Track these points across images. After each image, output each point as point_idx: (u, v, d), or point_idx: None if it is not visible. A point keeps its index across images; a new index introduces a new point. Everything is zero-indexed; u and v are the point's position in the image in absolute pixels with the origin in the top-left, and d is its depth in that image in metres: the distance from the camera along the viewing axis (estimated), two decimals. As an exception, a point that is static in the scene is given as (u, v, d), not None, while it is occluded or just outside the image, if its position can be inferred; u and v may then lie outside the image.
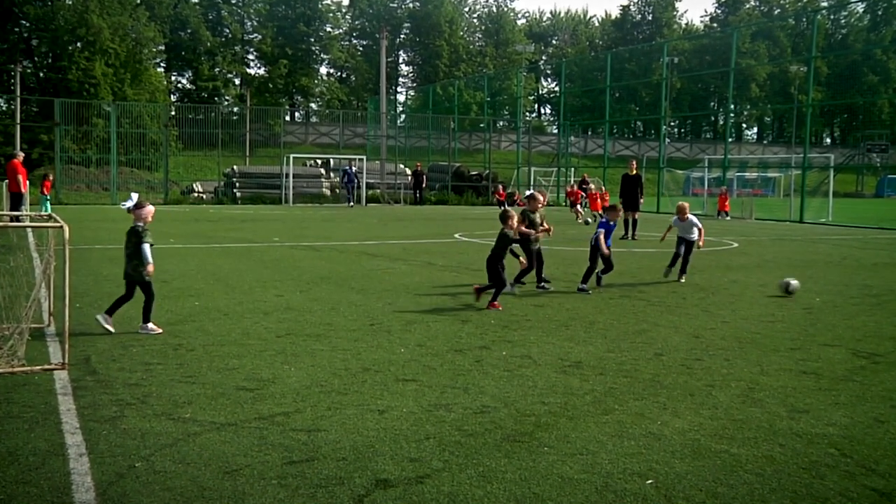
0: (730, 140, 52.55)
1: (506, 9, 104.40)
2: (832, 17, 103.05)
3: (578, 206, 32.36)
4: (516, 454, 5.17)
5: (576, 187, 36.12)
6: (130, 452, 5.05)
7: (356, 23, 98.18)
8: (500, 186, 36.42)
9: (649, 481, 4.76)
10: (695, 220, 14.04)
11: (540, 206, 12.65)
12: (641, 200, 23.33)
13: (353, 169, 41.99)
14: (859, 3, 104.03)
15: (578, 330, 9.40)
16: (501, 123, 76.00)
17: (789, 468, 5.04)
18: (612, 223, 13.20)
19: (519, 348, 8.30)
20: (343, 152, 51.15)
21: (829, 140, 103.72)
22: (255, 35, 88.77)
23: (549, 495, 4.54)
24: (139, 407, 6.01)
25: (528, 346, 8.43)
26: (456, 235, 23.15)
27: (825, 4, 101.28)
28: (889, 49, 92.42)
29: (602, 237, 12.57)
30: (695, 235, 13.99)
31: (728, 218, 35.54)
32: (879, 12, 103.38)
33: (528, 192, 13.03)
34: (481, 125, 63.47)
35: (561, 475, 4.84)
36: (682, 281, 13.70)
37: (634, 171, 23.37)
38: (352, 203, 41.07)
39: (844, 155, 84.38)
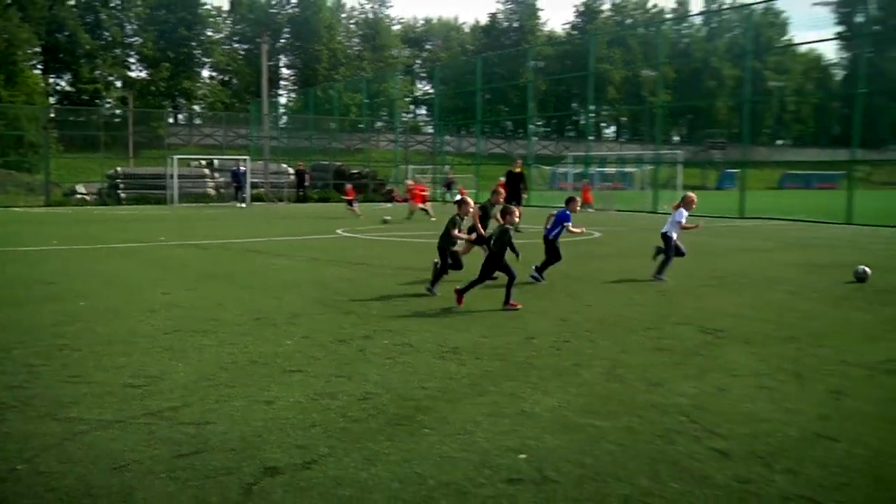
0: (591, 138, 53.83)
1: (382, 15, 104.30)
2: (676, 28, 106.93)
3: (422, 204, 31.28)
4: (398, 437, 5.21)
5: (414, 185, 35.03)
6: (11, 455, 4.80)
7: (237, 28, 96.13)
8: (349, 186, 34.89)
9: (522, 455, 4.89)
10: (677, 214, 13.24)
11: (470, 209, 12.17)
12: (524, 196, 23.80)
13: (241, 169, 41.14)
14: (697, 16, 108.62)
15: (456, 318, 9.51)
16: (380, 124, 75.70)
17: (646, 436, 5.26)
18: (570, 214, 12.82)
19: (399, 337, 8.33)
20: (227, 153, 49.99)
21: (677, 138, 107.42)
22: (136, 38, 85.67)
23: (430, 473, 4.60)
24: (22, 409, 5.72)
25: (408, 334, 8.47)
26: (338, 231, 23.01)
27: (669, 17, 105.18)
28: (723, 58, 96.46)
29: (560, 228, 12.68)
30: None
31: (591, 210, 36.47)
32: (714, 25, 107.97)
33: (457, 198, 12.67)
34: (360, 126, 63.13)
35: (441, 454, 4.91)
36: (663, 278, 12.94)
37: (518, 169, 23.80)
38: (242, 203, 40.16)
39: (690, 152, 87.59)
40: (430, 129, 79.30)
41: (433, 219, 27.20)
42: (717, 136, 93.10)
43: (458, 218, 11.72)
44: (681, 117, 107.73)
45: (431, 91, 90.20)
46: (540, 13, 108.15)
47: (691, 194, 13.79)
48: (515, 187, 23.39)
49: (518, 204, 23.15)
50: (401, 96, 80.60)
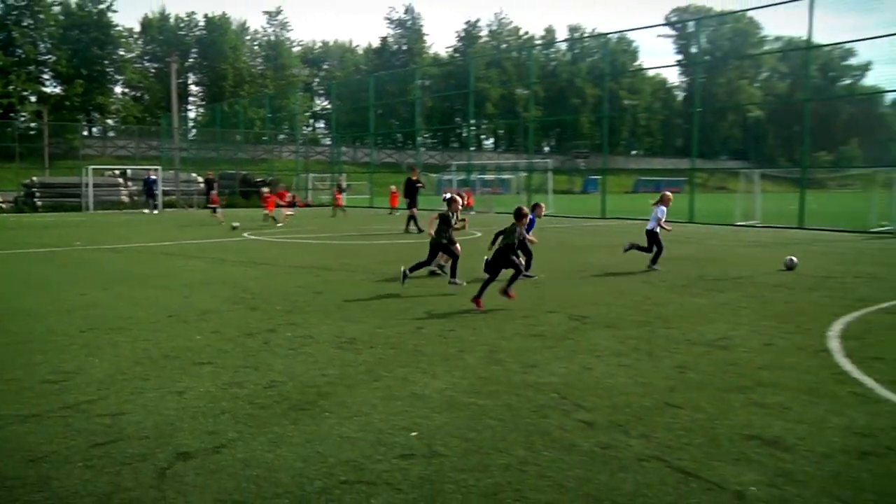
0: (472, 148, 54.42)
1: (283, 38, 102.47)
2: (545, 52, 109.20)
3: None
4: (302, 421, 5.15)
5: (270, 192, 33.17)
6: (-72, 452, 4.53)
7: (148, 48, 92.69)
8: (214, 193, 33.57)
9: (414, 433, 4.91)
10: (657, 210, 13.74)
11: (458, 207, 11.97)
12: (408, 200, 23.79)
13: (153, 178, 39.73)
14: (563, 43, 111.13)
15: (354, 311, 9.45)
16: (282, 136, 74.37)
17: (523, 412, 5.36)
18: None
19: (302, 329, 8.23)
20: (140, 163, 48.21)
21: (547, 148, 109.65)
22: (50, 56, 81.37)
23: (330, 453, 4.57)
24: (-62, 410, 5.39)
25: (309, 327, 8.37)
26: (245, 235, 22.51)
27: (539, 43, 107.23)
28: (585, 79, 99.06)
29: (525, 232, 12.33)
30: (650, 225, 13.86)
31: (474, 212, 36.80)
32: (577, 51, 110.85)
33: (447, 196, 12.18)
34: (264, 138, 61.91)
35: (340, 435, 4.88)
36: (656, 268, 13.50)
37: (416, 177, 23.95)
38: (154, 210, 38.79)
39: (559, 160, 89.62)
40: (328, 141, 78.49)
41: (279, 224, 26.17)
42: (581, 146, 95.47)
43: (450, 214, 11.67)
44: (550, 130, 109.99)
45: (329, 106, 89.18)
46: (426, 37, 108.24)
47: (669, 193, 14.19)
48: (413, 193, 23.52)
49: (414, 207, 23.25)
50: (301, 111, 79.34)
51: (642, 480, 4.15)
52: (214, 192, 33.56)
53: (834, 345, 7.53)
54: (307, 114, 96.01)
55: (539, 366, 6.66)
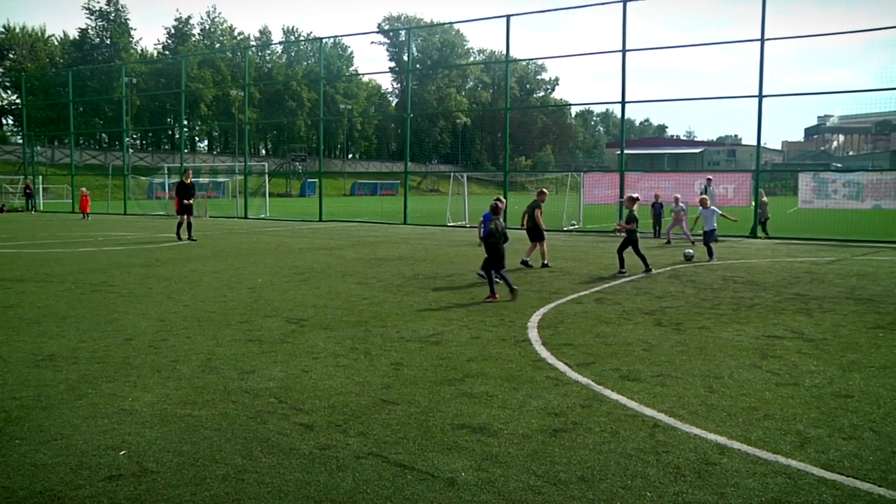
0: (185, 151, 51.84)
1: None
2: (260, 53, 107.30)
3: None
4: (-12, 450, 4.58)
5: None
6: None
7: None
8: None
9: (122, 452, 4.58)
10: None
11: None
12: (190, 201, 21.60)
13: None
14: (278, 45, 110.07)
15: (51, 325, 8.59)
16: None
17: (240, 420, 5.22)
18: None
19: (-9, 349, 7.32)
20: None
21: (264, 151, 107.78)
22: None
23: (20, 485, 4.11)
24: None
25: None
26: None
27: (254, 43, 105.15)
28: (302, 82, 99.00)
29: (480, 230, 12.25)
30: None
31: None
32: (293, 53, 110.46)
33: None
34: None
35: (34, 463, 4.40)
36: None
37: (189, 180, 21.95)
38: None
39: (276, 163, 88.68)
40: (18, 140, 70.52)
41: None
42: (298, 149, 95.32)
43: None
44: (267, 133, 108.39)
45: (18, 101, 79.89)
46: (133, 31, 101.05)
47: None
48: (187, 195, 21.54)
49: (190, 212, 21.29)
50: (-18, 105, 70.59)
51: (361, 477, 4.23)
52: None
53: (533, 334, 8.23)
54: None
55: (256, 371, 6.53)
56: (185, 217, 21.46)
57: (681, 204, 21.63)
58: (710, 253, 16.40)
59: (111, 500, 3.90)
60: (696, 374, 6.55)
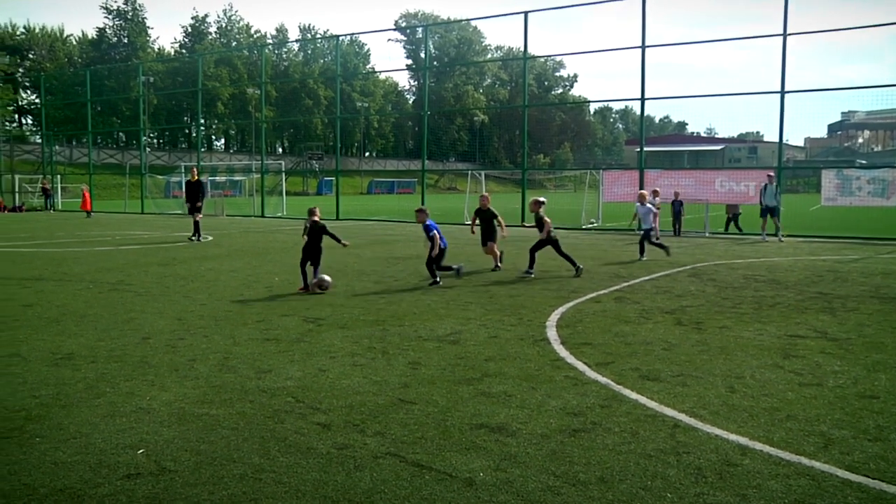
0: (202, 149, 52.16)
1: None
2: (276, 51, 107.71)
3: None
4: (4, 450, 4.64)
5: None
6: None
7: None
8: None
9: (140, 451, 4.62)
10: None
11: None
12: (200, 203, 21.63)
13: None
14: (295, 43, 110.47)
15: (69, 324, 8.68)
16: (-22, 132, 66.37)
17: (258, 419, 5.25)
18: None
19: (6, 348, 7.41)
20: None
21: (280, 149, 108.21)
22: None
23: (41, 482, 4.15)
24: None
25: (16, 344, 7.56)
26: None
27: (270, 42, 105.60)
28: (318, 80, 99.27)
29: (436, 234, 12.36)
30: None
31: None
32: (309, 51, 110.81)
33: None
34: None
35: (54, 461, 4.45)
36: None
37: (196, 178, 21.85)
38: None
39: (293, 162, 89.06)
40: (37, 139, 71.17)
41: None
42: (314, 148, 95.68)
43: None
44: (283, 131, 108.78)
45: (38, 101, 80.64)
46: (150, 30, 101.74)
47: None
48: (193, 194, 21.51)
49: (199, 211, 21.24)
50: (2, 104, 71.21)
51: (378, 477, 4.24)
52: None
53: (551, 334, 8.22)
54: (11, 108, 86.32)
55: (274, 370, 6.56)
56: (193, 217, 21.37)
57: (657, 199, 21.55)
58: (642, 252, 16.04)
59: (130, 499, 3.94)
60: (717, 373, 6.51)
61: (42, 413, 5.36)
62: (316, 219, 11.77)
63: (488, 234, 14.24)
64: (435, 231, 12.40)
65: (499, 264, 14.10)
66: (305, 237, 11.75)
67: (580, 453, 4.62)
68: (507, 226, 14.59)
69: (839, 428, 5.08)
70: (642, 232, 16.19)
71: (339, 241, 11.80)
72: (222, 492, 4.03)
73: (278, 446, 4.71)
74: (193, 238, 20.96)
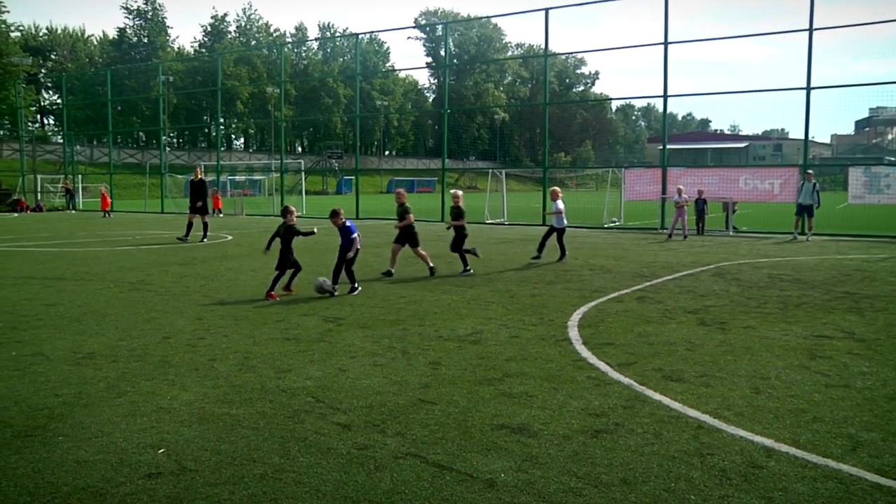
0: (222, 149, 52.47)
1: None
2: (296, 50, 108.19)
3: None
4: (28, 449, 4.69)
5: None
6: None
7: None
8: None
9: (161, 450, 4.65)
10: None
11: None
12: (200, 203, 21.52)
13: None
14: (314, 41, 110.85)
15: (91, 323, 8.77)
16: (1, 133, 67.19)
17: (278, 419, 5.27)
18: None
19: (30, 347, 7.50)
20: None
21: (300, 148, 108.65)
22: None
23: (64, 481, 4.20)
24: None
25: (39, 343, 7.65)
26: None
27: (290, 41, 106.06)
28: (337, 79, 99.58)
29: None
30: None
31: (221, 215, 35.67)
32: (329, 50, 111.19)
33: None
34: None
35: (77, 460, 4.50)
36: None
37: (199, 177, 21.61)
38: None
39: (312, 161, 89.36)
40: (59, 139, 71.99)
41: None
42: (334, 146, 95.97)
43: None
44: (303, 130, 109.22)
45: (59, 101, 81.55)
46: (170, 30, 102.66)
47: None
48: (197, 193, 21.32)
49: (204, 211, 21.10)
50: (25, 105, 72.15)
51: (399, 478, 4.25)
52: None
53: (573, 334, 8.19)
54: (33, 108, 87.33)
55: (294, 370, 6.59)
56: (200, 217, 20.89)
57: (684, 196, 21.39)
58: (562, 253, 15.61)
59: (151, 498, 3.97)
60: (742, 374, 6.46)
61: (64, 412, 5.42)
62: (292, 220, 11.20)
63: (408, 238, 13.61)
64: (356, 234, 11.64)
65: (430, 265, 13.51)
66: (278, 239, 11.17)
67: (602, 454, 4.60)
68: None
69: (868, 430, 5.02)
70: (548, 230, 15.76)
71: (308, 233, 11.56)
72: (243, 491, 4.06)
73: (298, 446, 4.73)
74: (186, 238, 20.61)
